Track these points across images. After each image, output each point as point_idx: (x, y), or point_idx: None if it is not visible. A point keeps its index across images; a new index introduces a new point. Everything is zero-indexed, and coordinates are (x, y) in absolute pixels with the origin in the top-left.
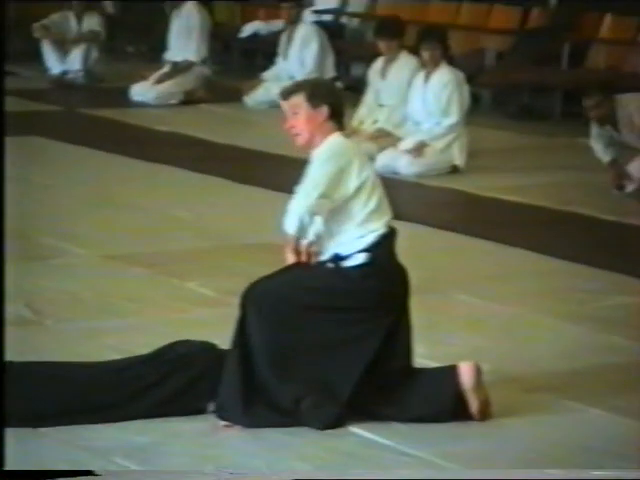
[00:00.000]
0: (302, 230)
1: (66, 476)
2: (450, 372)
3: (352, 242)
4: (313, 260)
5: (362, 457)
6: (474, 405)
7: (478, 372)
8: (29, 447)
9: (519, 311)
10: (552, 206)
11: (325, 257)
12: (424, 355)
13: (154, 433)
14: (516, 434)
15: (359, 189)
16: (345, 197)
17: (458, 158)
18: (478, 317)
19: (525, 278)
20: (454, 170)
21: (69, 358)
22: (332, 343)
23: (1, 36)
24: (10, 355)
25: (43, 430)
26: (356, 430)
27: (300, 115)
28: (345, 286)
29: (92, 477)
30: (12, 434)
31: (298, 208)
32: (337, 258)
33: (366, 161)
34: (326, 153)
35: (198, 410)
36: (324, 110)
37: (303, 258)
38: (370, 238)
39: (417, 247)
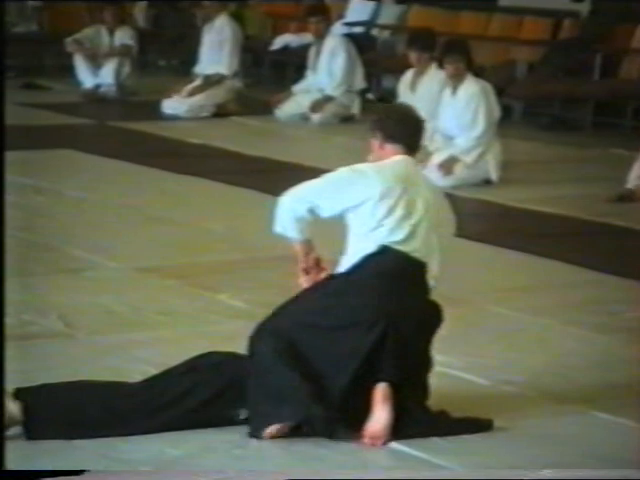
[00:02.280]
0: (285, 229)
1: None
2: None
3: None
4: (323, 274)
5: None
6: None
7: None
8: (62, 459)
9: (551, 322)
10: (584, 217)
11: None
12: (457, 367)
13: (187, 445)
14: (548, 446)
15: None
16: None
17: (492, 171)
18: (510, 329)
19: (557, 289)
20: (487, 182)
21: (101, 371)
22: (332, 357)
23: (1, 39)
24: (42, 367)
25: (76, 442)
26: (392, 444)
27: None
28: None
29: (92, 476)
30: (45, 446)
31: (280, 206)
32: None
33: (389, 192)
34: (353, 167)
35: (228, 419)
36: (378, 135)
37: (313, 275)
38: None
39: (449, 258)
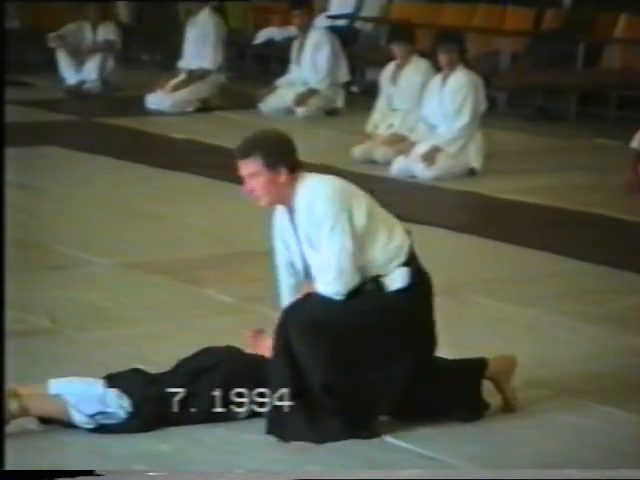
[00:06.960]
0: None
1: (66, 476)
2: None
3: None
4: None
5: (381, 461)
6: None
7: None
8: (50, 454)
9: (538, 313)
10: (569, 207)
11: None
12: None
13: (176, 440)
14: (540, 436)
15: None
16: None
17: (475, 161)
18: (497, 319)
19: (543, 279)
20: (471, 173)
21: (88, 366)
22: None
23: (1, 40)
24: (30, 364)
25: (68, 440)
26: (384, 437)
27: (259, 179)
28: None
29: (93, 477)
30: (37, 444)
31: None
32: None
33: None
34: (324, 199)
35: (226, 418)
36: (283, 172)
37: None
38: (402, 255)
39: (434, 250)
